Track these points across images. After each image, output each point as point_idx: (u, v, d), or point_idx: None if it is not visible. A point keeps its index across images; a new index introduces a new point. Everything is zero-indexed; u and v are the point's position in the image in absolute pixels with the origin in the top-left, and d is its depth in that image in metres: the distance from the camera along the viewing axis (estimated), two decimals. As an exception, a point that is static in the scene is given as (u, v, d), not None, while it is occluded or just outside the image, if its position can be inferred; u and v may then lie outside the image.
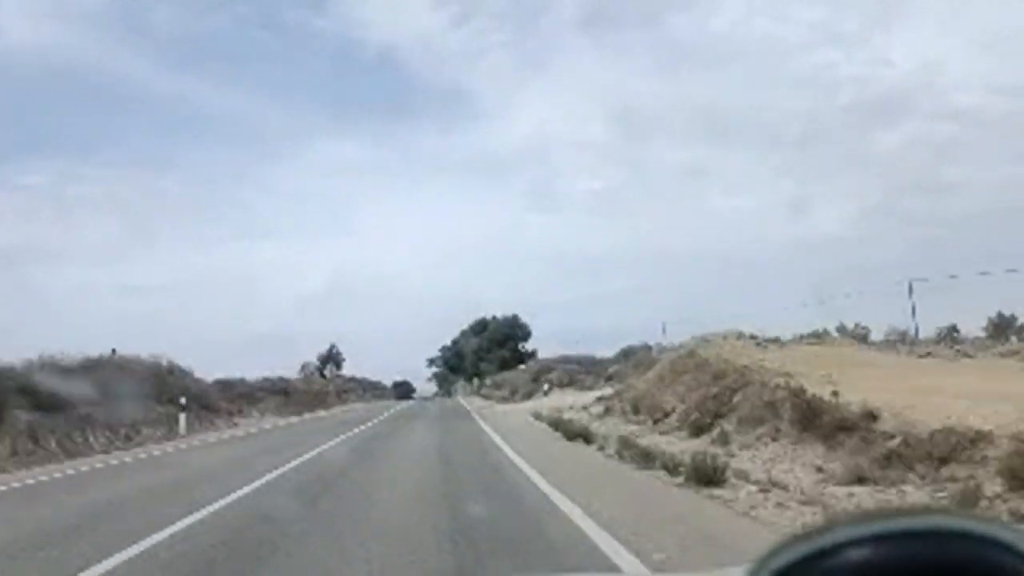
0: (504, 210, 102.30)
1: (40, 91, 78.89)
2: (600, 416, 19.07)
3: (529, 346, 59.12)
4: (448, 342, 79.85)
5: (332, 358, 71.89)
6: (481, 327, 65.55)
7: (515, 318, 59.18)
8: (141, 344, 36.73)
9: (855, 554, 0.67)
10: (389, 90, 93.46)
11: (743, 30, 70.76)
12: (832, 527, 0.70)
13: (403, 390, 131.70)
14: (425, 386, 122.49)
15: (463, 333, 70.22)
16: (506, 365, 55.56)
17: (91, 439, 17.50)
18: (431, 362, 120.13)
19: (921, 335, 26.97)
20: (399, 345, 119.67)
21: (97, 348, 24.15)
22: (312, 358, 73.81)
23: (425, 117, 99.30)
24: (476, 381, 60.35)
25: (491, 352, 58.25)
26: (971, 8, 64.84)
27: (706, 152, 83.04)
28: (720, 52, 75.76)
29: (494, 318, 64.70)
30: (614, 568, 4.81)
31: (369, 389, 72.88)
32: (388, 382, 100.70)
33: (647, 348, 33.39)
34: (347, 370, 77.05)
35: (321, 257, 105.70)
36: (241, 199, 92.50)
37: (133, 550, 5.98)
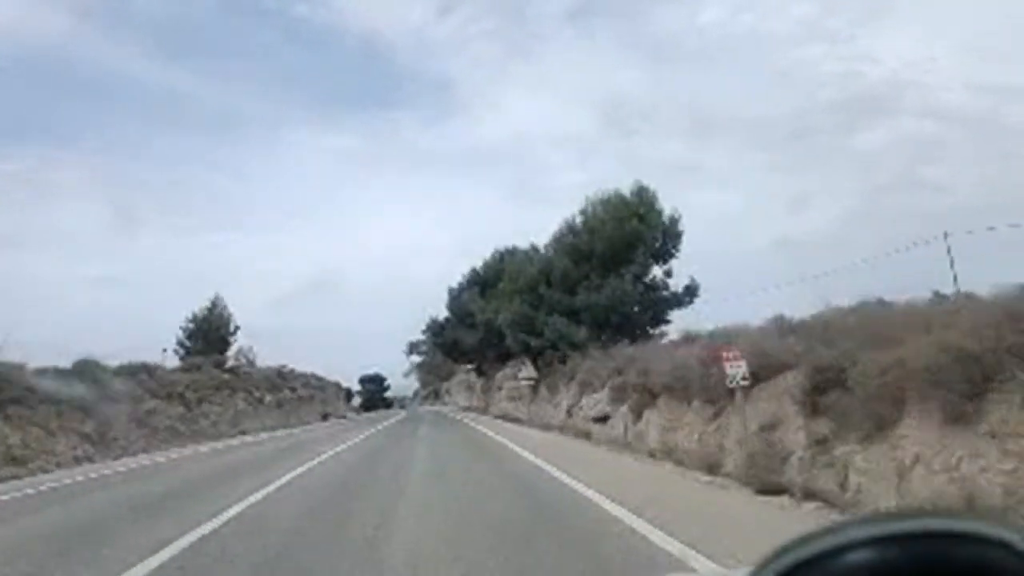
0: (486, 201, 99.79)
1: (12, 76, 72.74)
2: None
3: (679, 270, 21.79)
4: (445, 310, 44.24)
5: (205, 331, 36.06)
6: (498, 262, 30.71)
7: (641, 194, 20.98)
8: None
9: (859, 556, 0.67)
10: (372, 80, 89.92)
11: (730, 25, 69.21)
12: (836, 529, 0.69)
13: (373, 392, 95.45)
14: (402, 383, 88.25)
15: (476, 273, 35.32)
16: (623, 324, 19.66)
17: None
18: (412, 348, 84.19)
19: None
20: (373, 340, 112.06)
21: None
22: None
23: (408, 107, 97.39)
24: (527, 370, 25.03)
25: (584, 285, 20.05)
26: (959, 6, 62.28)
27: (692, 146, 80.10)
28: (707, 46, 71.93)
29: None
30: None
31: (274, 389, 36.80)
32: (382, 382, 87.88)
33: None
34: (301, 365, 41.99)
35: (296, 248, 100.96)
36: (217, 189, 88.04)
37: None
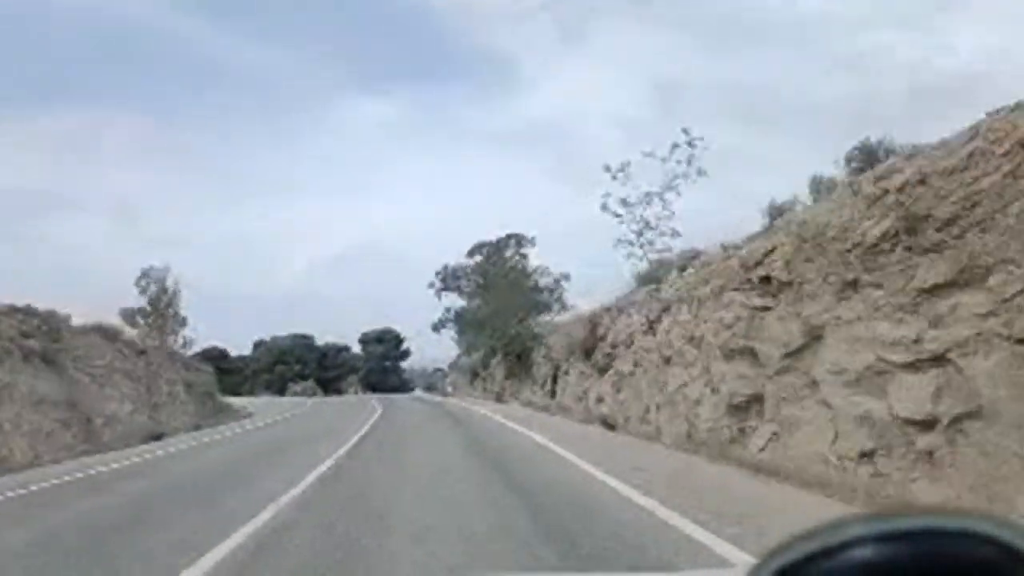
0: (531, 178, 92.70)
1: (71, 40, 72.58)
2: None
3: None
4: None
5: None
6: None
7: None
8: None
9: (859, 553, 0.67)
10: (423, 51, 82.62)
11: (796, 6, 62.94)
12: (837, 525, 0.69)
13: (380, 361, 58.18)
14: (428, 343, 54.39)
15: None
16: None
17: None
18: (446, 280, 46.41)
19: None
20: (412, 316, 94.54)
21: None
22: None
23: (457, 81, 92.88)
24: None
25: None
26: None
27: (748, 133, 62.25)
28: (771, 28, 66.37)
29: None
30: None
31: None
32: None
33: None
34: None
35: (339, 217, 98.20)
36: (264, 157, 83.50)
37: None
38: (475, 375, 34.91)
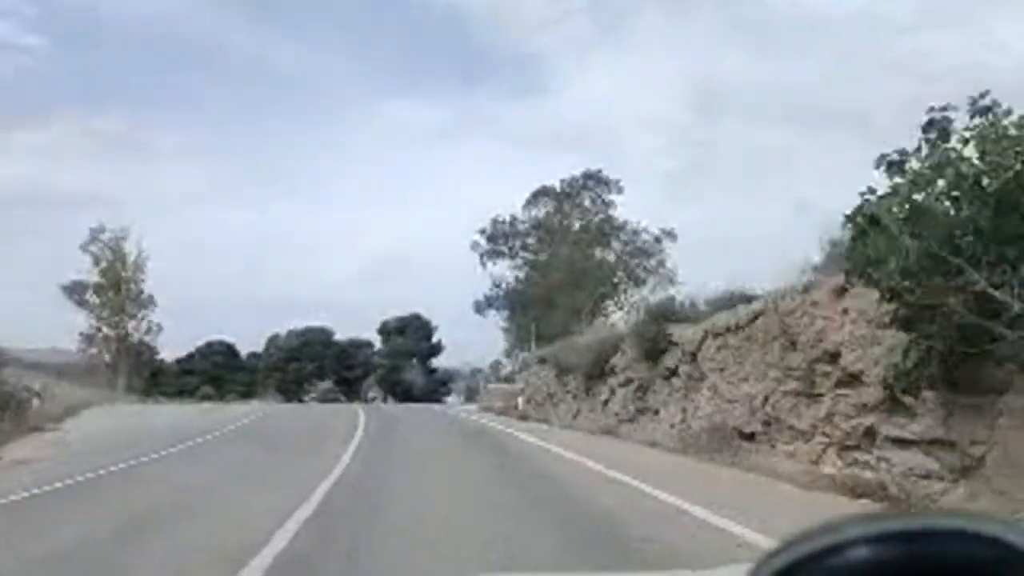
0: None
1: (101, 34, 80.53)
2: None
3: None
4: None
5: None
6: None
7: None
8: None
9: (858, 553, 0.68)
10: (455, 53, 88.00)
11: (839, 6, 69.78)
12: (835, 527, 0.70)
13: (406, 356, 46.48)
14: (468, 326, 43.67)
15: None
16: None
17: None
18: (494, 242, 35.53)
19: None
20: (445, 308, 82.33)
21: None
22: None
23: (490, 83, 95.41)
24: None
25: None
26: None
27: (787, 138, 73.02)
28: (813, 29, 66.39)
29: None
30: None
31: None
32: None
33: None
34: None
35: (373, 221, 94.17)
36: (294, 159, 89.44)
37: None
38: (596, 376, 18.02)
